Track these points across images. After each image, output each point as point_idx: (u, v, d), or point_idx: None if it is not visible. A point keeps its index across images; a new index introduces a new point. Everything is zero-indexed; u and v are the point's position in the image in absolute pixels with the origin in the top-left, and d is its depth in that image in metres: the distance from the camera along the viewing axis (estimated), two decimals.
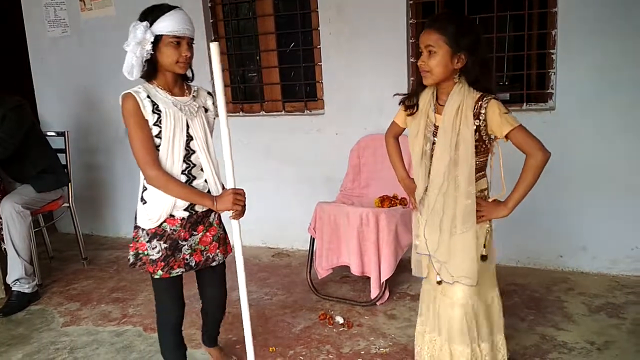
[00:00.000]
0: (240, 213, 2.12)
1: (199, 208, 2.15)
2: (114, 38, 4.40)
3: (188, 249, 2.18)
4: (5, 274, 3.53)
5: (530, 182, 1.99)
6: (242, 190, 2.12)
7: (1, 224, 3.48)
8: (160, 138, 2.03)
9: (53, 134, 4.18)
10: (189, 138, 2.09)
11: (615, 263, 3.42)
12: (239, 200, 2.08)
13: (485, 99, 1.93)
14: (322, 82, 3.96)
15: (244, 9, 4.33)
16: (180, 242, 2.15)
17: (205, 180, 2.15)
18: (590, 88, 3.28)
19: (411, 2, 3.59)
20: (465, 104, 1.95)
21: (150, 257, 2.13)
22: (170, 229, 2.13)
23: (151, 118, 2.00)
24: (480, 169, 2.05)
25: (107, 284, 3.81)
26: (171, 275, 2.15)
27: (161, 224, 2.11)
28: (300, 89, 4.21)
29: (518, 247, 3.58)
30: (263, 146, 4.12)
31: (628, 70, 3.18)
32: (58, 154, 3.93)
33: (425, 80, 2.01)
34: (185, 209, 2.12)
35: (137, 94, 2.00)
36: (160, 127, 2.02)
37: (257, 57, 4.21)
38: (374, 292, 3.18)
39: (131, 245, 2.19)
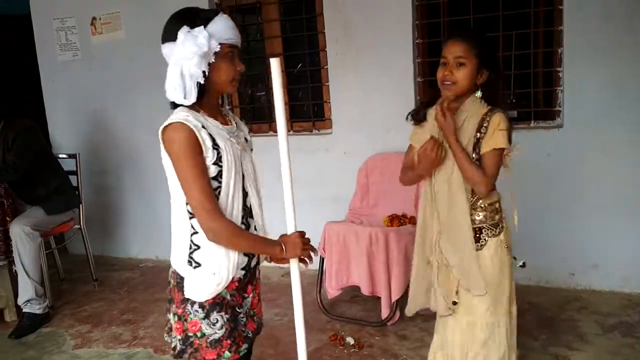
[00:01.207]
0: (310, 260, 1.77)
1: (252, 263, 1.74)
2: (124, 61, 4.51)
3: (243, 317, 1.74)
4: (17, 296, 3.55)
5: (465, 169, 1.91)
6: (304, 232, 1.76)
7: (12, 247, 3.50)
8: (218, 181, 1.59)
9: (64, 156, 4.23)
10: (242, 177, 1.67)
11: (628, 280, 3.39)
12: (307, 246, 1.72)
13: (491, 112, 1.94)
14: (329, 102, 3.99)
15: (252, 30, 4.39)
16: (237, 309, 1.70)
17: (255, 227, 1.74)
18: (597, 104, 3.28)
19: (417, 22, 3.63)
20: (472, 116, 1.96)
21: (212, 338, 1.62)
22: (230, 295, 1.66)
23: (211, 155, 1.55)
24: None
25: (117, 306, 3.81)
26: (240, 355, 1.69)
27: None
28: (308, 109, 4.25)
29: (529, 265, 3.49)
30: (271, 166, 4.11)
31: (635, 85, 3.19)
32: (69, 176, 3.97)
33: (446, 91, 1.97)
34: (243, 267, 1.68)
35: (189, 123, 1.52)
36: (220, 166, 1.57)
37: (266, 78, 4.25)
38: (385, 313, 3.16)
39: (173, 325, 1.66)
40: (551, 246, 3.51)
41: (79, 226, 4.05)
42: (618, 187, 3.32)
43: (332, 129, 4.01)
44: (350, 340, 3.03)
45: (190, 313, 1.61)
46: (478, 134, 1.94)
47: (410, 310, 2.27)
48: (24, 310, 3.50)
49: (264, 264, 1.87)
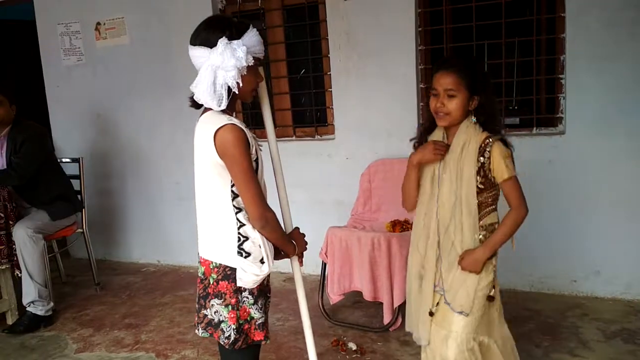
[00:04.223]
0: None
1: None
2: (128, 66, 4.54)
3: (269, 305, 1.93)
4: (20, 299, 3.57)
5: (510, 233, 2.00)
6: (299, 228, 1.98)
7: (16, 250, 3.51)
8: None
9: (68, 160, 4.25)
10: None
11: (630, 287, 3.39)
12: (305, 239, 1.95)
13: (491, 138, 1.97)
14: (332, 108, 4.01)
15: None
16: (268, 295, 1.91)
17: None
18: (600, 111, 3.30)
19: (420, 29, 3.65)
20: (470, 142, 1.98)
21: (259, 321, 1.81)
22: (266, 283, 1.88)
23: (253, 153, 1.74)
24: (492, 203, 2.04)
25: (119, 310, 3.82)
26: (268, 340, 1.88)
27: None
28: (311, 115, 4.26)
29: (531, 272, 3.56)
30: (270, 168, 4.15)
31: (637, 92, 3.20)
32: (72, 180, 3.99)
33: (440, 121, 2.02)
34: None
35: (240, 124, 1.69)
36: (257, 164, 1.77)
37: (269, 84, 4.27)
38: (387, 318, 3.16)
39: (227, 316, 1.77)
40: (553, 253, 3.51)
41: (81, 230, 4.07)
42: (620, 194, 3.33)
43: (334, 135, 4.02)
44: (352, 345, 3.03)
45: (241, 301, 1.76)
46: (482, 159, 1.97)
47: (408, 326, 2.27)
48: (27, 309, 3.52)
49: None
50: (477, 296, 2.01)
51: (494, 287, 2.05)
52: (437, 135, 2.10)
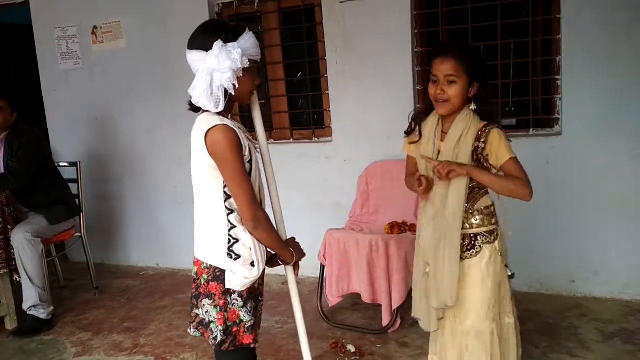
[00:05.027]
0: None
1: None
2: (124, 70, 4.54)
3: (261, 308, 1.93)
4: (19, 304, 3.57)
5: (502, 187, 1.96)
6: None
7: (14, 255, 3.51)
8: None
9: (65, 164, 4.25)
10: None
11: (628, 287, 3.39)
12: (302, 250, 1.94)
13: (489, 127, 1.97)
14: (329, 110, 4.01)
15: None
16: (259, 298, 1.89)
17: None
18: (596, 112, 3.30)
19: (416, 31, 3.65)
20: (469, 130, 1.98)
21: (248, 324, 1.79)
22: (257, 285, 1.86)
23: (247, 155, 1.74)
24: (484, 186, 2.04)
25: (118, 314, 3.81)
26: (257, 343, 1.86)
27: None
28: (308, 117, 4.27)
29: (530, 272, 3.56)
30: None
31: (633, 93, 3.21)
32: (70, 184, 3.99)
33: (440, 109, 2.01)
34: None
35: (232, 125, 1.70)
36: (250, 165, 1.77)
37: (266, 86, 4.28)
38: (386, 320, 3.16)
39: (214, 317, 1.77)
40: (551, 253, 3.52)
41: (79, 234, 4.06)
42: (617, 194, 3.33)
43: (332, 137, 4.02)
44: (351, 348, 3.03)
45: (230, 303, 1.75)
46: (477, 143, 1.97)
47: (414, 314, 2.28)
48: (29, 313, 3.52)
49: (268, 272, 1.92)
50: (485, 284, 2.02)
51: (506, 265, 2.07)
52: (431, 121, 2.09)
